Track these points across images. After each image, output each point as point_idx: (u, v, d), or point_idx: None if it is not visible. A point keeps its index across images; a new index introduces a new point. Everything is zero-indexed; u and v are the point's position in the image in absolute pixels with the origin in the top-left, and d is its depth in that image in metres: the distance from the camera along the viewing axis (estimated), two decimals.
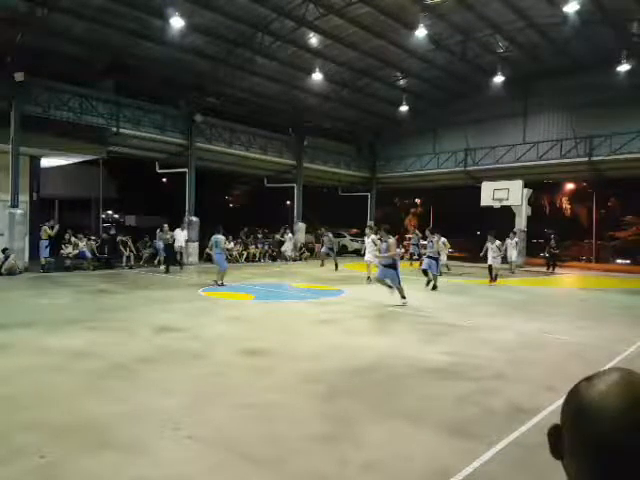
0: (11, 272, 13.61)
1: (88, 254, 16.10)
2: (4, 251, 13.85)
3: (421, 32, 15.73)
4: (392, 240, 9.81)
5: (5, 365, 5.35)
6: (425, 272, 12.62)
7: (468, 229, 28.39)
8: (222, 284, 12.25)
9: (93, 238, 17.63)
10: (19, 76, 14.47)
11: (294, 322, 8.07)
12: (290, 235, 22.15)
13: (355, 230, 29.66)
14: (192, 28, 15.05)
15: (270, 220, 28.59)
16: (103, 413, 4.05)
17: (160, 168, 22.41)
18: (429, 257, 12.56)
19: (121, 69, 17.00)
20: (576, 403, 0.66)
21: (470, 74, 20.74)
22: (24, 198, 15.81)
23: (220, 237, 12.59)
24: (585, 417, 0.64)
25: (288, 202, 26.53)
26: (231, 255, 20.51)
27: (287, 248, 21.89)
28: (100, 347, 6.15)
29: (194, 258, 19.29)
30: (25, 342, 6.32)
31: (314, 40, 17.42)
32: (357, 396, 4.62)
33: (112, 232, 20.01)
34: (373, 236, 13.36)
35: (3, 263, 13.61)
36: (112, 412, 4.07)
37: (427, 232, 13.59)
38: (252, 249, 21.55)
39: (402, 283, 9.71)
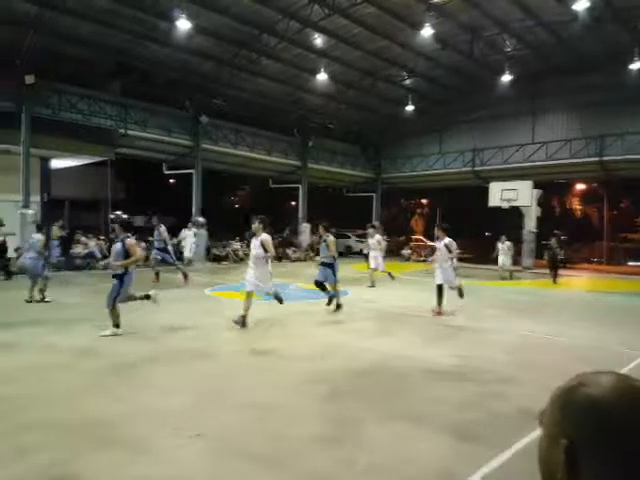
0: (21, 271, 13.72)
1: (98, 254, 16.29)
2: (17, 250, 13.98)
3: (427, 31, 15.64)
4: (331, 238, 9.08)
5: (12, 364, 5.40)
6: (322, 286, 9.10)
7: (476, 230, 28.23)
8: (43, 299, 9.34)
9: (102, 238, 17.91)
10: (29, 79, 14.68)
11: (298, 323, 8.08)
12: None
13: (361, 231, 29.59)
14: (198, 30, 15.11)
15: (276, 221, 28.58)
16: (108, 412, 4.08)
17: (167, 169, 22.55)
18: (323, 264, 9.03)
19: (127, 71, 17.15)
20: (603, 413, 0.65)
21: (477, 73, 20.63)
22: (35, 199, 16.05)
23: (37, 236, 9.72)
24: (624, 424, 0.63)
25: (294, 202, 26.57)
26: (237, 255, 20.63)
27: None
28: (107, 346, 6.21)
29: (199, 258, 19.36)
30: (32, 341, 6.38)
31: (319, 41, 17.41)
32: (360, 397, 4.60)
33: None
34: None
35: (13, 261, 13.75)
36: (117, 411, 4.11)
37: (321, 229, 9.53)
38: None
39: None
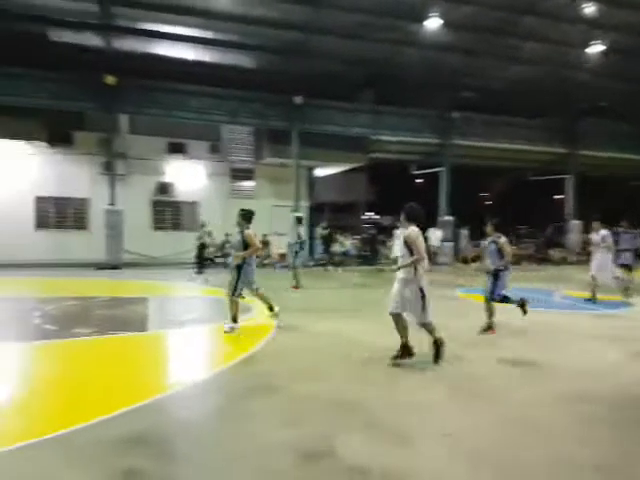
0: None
1: (353, 252, 17.93)
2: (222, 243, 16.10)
3: None
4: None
5: (280, 345, 6.19)
6: (504, 300, 6.84)
7: None
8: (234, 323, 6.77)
9: (357, 237, 19.77)
10: (298, 99, 17.04)
11: (564, 334, 6.96)
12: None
13: None
14: (447, 25, 14.81)
15: (535, 218, 26.03)
16: (367, 396, 4.29)
17: (414, 169, 23.05)
18: (490, 273, 6.80)
19: (378, 79, 17.99)
20: None
21: None
22: (304, 204, 18.70)
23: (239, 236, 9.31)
24: None
25: (562, 196, 23.43)
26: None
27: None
28: (350, 334, 6.70)
29: (448, 258, 18.95)
30: (298, 326, 7.14)
31: (589, 10, 14.87)
32: None
33: (372, 232, 21.86)
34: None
35: (268, 256, 16.37)
36: (374, 396, 4.30)
37: (488, 228, 6.95)
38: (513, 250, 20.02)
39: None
